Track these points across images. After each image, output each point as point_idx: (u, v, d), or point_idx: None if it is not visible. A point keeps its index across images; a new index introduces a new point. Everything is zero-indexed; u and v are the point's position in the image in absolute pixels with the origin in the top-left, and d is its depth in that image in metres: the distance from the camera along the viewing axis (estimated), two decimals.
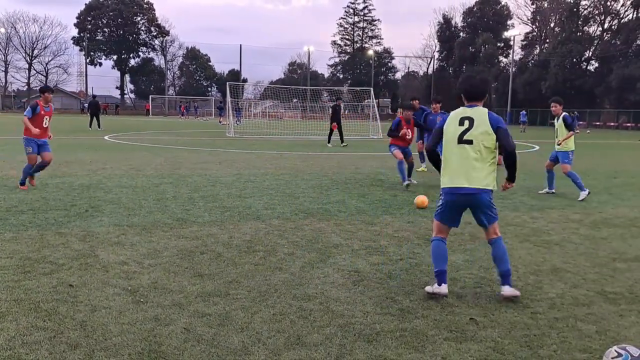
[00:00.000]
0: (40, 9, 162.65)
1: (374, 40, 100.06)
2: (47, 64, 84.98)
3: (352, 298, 4.42)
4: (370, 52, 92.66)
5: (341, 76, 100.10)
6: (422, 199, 8.62)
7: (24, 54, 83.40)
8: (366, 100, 49.58)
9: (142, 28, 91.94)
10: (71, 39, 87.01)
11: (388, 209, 8.36)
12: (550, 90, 70.49)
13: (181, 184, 10.44)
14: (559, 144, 9.95)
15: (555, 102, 10.03)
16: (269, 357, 3.36)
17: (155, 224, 6.94)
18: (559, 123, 10.05)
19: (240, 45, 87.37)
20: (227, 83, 33.54)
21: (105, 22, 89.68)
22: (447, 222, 4.62)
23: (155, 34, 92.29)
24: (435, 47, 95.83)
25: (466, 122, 4.44)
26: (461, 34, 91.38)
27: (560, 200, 9.68)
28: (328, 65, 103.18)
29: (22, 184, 9.36)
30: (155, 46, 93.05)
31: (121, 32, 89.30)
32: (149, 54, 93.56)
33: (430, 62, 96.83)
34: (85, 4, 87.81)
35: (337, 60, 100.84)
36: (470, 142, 4.40)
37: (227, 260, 5.43)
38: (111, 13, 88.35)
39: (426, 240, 6.40)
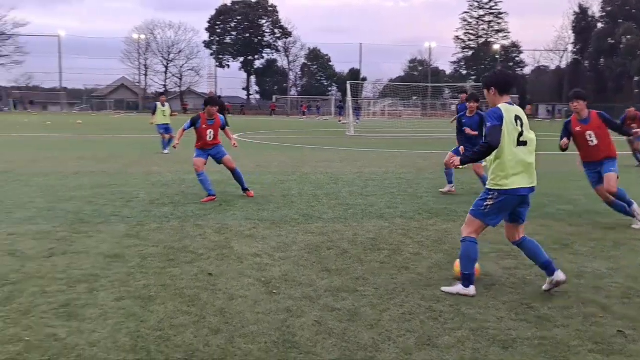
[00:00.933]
0: (175, 16, 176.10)
1: (501, 34, 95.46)
2: (181, 67, 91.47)
3: (484, 302, 4.27)
4: (496, 47, 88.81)
5: (464, 72, 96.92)
6: None
7: (161, 58, 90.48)
8: None
9: (267, 30, 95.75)
10: (202, 43, 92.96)
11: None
12: None
13: (305, 182, 10.73)
14: None
15: None
16: (400, 355, 3.34)
17: (283, 219, 7.19)
18: None
19: (361, 44, 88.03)
20: (348, 82, 33.90)
21: (233, 25, 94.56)
22: (491, 223, 4.51)
23: (278, 35, 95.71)
24: (569, 39, 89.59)
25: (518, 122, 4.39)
26: (599, 24, 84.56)
27: None
28: (450, 61, 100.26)
29: (210, 194, 8.58)
30: (279, 47, 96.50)
31: (247, 34, 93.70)
32: (272, 56, 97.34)
33: (562, 55, 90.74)
34: (216, 10, 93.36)
35: (460, 56, 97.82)
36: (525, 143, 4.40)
37: (353, 257, 5.49)
38: (239, 17, 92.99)
39: (563, 246, 6.02)
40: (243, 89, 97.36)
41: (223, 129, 8.97)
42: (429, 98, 43.50)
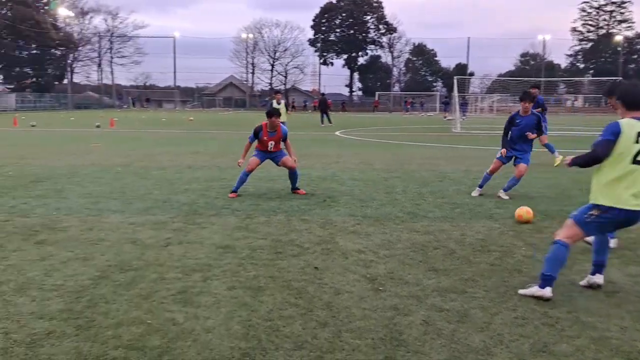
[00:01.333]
0: (281, 15, 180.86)
1: (624, 25, 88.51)
2: (286, 65, 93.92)
3: (605, 310, 3.98)
4: (619, 38, 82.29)
5: (582, 66, 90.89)
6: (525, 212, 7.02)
7: (267, 57, 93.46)
8: None
9: (371, 26, 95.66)
10: (307, 41, 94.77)
11: None
12: None
13: (409, 179, 10.60)
14: None
15: None
16: None
17: (387, 216, 7.15)
18: None
19: (468, 38, 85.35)
20: (455, 77, 33.01)
21: (337, 22, 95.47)
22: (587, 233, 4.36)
23: (383, 31, 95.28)
24: None
25: None
26: None
27: None
28: (566, 54, 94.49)
29: (234, 192, 8.62)
30: (383, 43, 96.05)
31: (352, 31, 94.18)
32: (376, 52, 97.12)
33: None
34: (321, 7, 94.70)
35: (577, 48, 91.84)
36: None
37: (461, 257, 5.34)
38: (343, 14, 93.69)
39: None
40: (346, 85, 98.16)
41: (284, 141, 8.86)
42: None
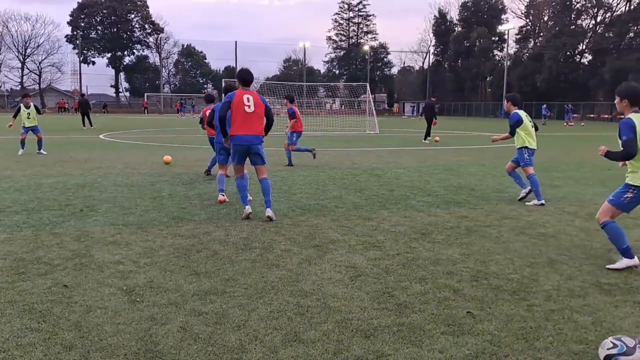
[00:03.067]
0: (32, 8, 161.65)
1: (369, 36, 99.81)
2: (40, 62, 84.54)
3: (349, 294, 4.41)
4: (366, 48, 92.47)
5: (337, 72, 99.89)
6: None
7: (16, 53, 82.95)
8: (362, 96, 49.56)
9: (136, 25, 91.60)
10: (64, 38, 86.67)
11: (385, 204, 8.35)
12: (545, 84, 70.65)
13: (177, 182, 10.40)
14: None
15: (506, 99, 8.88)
16: (266, 354, 3.35)
17: (151, 222, 6.91)
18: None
19: (236, 41, 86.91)
20: (223, 80, 33.47)
21: (98, 19, 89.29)
22: (627, 210, 5.20)
23: (149, 31, 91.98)
24: (431, 41, 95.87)
25: None
26: (457, 28, 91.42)
27: (555, 192, 9.69)
28: (324, 61, 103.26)
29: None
30: (150, 44, 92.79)
31: (115, 29, 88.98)
32: (143, 52, 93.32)
33: (425, 56, 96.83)
34: (78, 2, 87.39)
35: (332, 55, 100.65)
36: None
37: (224, 257, 5.41)
38: (104, 11, 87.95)
39: (422, 235, 6.40)
40: (111, 86, 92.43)
41: None
42: (304, 97, 44.21)
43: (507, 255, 5.61)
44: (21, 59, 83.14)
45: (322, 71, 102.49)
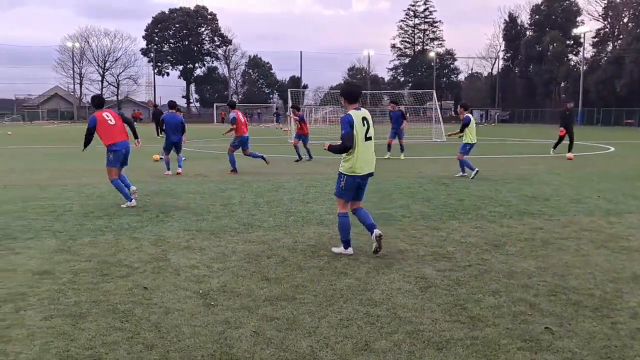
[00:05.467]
0: (111, 24, 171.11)
1: (436, 42, 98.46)
2: (118, 75, 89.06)
3: (419, 305, 4.36)
4: (432, 54, 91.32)
5: (402, 79, 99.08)
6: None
7: (96, 67, 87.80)
8: (428, 103, 48.96)
9: (206, 38, 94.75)
10: (140, 51, 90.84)
11: (454, 214, 8.19)
12: (626, 88, 67.07)
13: (246, 190, 10.65)
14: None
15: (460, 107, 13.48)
16: None
17: (223, 229, 7.10)
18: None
19: (301, 52, 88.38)
20: (289, 90, 33.98)
21: (171, 33, 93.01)
22: None
23: (218, 43, 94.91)
24: (500, 46, 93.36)
25: None
26: (528, 32, 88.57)
27: (639, 203, 9.17)
28: (388, 68, 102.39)
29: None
30: (219, 55, 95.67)
31: (186, 42, 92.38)
32: (212, 63, 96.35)
33: (494, 62, 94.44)
34: (153, 17, 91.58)
35: (397, 63, 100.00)
36: None
37: (293, 264, 5.49)
38: (177, 25, 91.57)
39: (495, 246, 6.23)
40: (182, 97, 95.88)
41: None
42: (368, 105, 44.24)
43: (588, 269, 5.36)
44: (101, 72, 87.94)
45: (387, 79, 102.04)
